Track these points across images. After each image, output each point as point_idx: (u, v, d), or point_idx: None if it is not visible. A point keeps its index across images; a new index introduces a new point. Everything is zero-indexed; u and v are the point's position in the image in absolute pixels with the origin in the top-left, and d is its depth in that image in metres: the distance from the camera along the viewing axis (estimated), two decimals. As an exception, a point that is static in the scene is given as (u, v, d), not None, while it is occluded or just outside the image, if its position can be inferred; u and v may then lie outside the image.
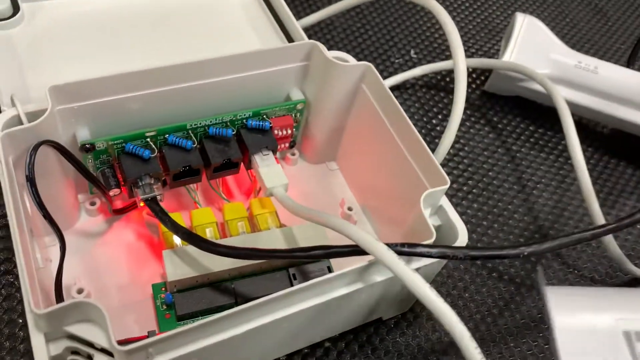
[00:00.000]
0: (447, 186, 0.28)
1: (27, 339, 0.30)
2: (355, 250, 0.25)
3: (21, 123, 0.28)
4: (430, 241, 0.26)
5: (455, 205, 0.40)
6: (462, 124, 0.45)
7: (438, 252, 0.25)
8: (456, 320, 0.22)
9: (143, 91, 0.30)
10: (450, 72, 0.48)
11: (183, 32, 0.37)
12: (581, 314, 0.23)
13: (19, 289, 0.32)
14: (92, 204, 0.34)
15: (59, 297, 0.27)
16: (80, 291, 0.30)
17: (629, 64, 0.50)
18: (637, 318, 0.23)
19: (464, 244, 0.28)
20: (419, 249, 0.25)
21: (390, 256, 0.23)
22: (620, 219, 0.29)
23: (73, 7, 0.36)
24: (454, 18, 0.53)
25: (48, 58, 0.34)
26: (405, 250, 0.25)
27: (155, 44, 0.36)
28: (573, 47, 0.52)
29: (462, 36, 0.51)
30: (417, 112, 0.45)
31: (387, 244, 0.24)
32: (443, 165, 0.42)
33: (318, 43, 0.33)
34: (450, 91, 0.47)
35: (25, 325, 0.29)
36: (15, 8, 0.35)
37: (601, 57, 0.52)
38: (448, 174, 0.42)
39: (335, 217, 0.27)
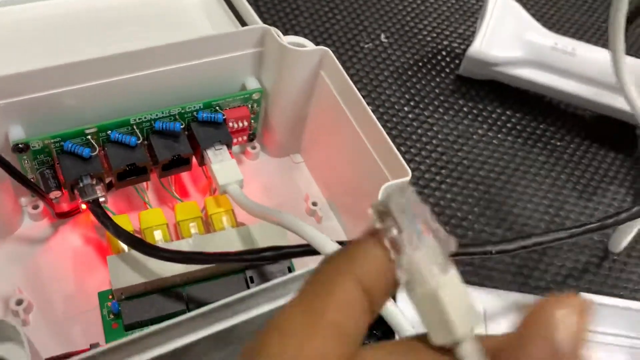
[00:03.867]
0: (409, 177, 0.26)
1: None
2: (309, 250, 0.23)
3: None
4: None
5: (437, 197, 0.38)
6: (435, 110, 0.43)
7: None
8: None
9: (81, 84, 0.28)
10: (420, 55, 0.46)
11: (131, 22, 0.34)
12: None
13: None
14: (35, 207, 0.31)
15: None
16: (19, 302, 0.28)
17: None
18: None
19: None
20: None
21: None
22: (603, 217, 0.27)
23: (19, 14, 0.34)
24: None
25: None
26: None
27: (104, 38, 0.33)
28: (551, 27, 0.50)
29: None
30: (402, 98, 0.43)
31: (342, 243, 0.22)
32: (416, 154, 0.40)
33: (271, 27, 0.30)
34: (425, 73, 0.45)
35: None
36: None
37: (581, 38, 0.50)
38: (420, 163, 0.40)
39: (287, 214, 0.25)
